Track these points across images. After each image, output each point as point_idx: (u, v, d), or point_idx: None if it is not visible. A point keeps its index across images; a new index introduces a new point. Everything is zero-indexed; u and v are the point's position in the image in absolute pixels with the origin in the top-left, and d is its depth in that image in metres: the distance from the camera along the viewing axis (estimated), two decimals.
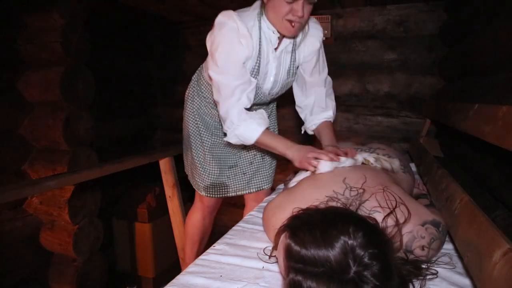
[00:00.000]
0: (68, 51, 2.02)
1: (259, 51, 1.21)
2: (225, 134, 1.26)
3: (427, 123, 2.22)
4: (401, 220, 0.79)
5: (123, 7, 2.45)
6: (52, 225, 2.21)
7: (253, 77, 1.24)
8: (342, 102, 2.60)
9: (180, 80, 3.15)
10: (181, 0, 2.38)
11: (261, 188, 1.61)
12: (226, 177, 1.55)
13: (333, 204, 0.83)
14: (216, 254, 0.97)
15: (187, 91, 1.52)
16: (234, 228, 1.17)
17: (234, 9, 1.21)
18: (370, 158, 1.09)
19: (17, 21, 2.03)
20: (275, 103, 1.62)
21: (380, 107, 2.55)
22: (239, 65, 1.16)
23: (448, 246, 0.96)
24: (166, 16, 2.85)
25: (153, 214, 2.80)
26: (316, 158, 1.05)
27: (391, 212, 0.80)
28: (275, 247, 0.77)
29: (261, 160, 1.59)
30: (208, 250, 1.00)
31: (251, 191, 1.60)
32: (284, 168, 2.54)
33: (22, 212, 2.19)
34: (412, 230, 0.81)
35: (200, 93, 1.46)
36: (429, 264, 0.82)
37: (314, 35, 1.30)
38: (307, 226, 0.64)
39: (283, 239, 0.67)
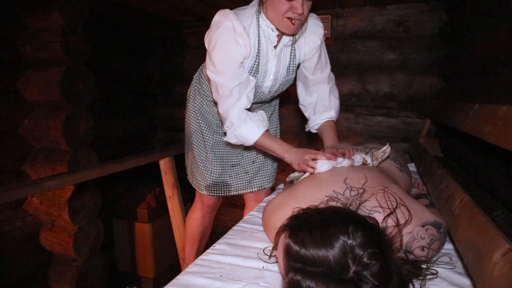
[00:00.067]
0: (68, 51, 2.02)
1: (258, 49, 1.21)
2: (225, 134, 1.26)
3: (427, 123, 2.22)
4: (402, 221, 0.79)
5: (123, 7, 2.45)
6: (52, 225, 2.21)
7: (252, 75, 1.24)
8: (342, 102, 2.56)
9: (180, 80, 3.15)
10: (181, 0, 2.38)
11: (262, 188, 1.61)
12: (228, 176, 1.54)
13: (333, 204, 0.83)
14: (216, 254, 0.97)
15: (189, 89, 1.52)
16: (234, 228, 1.17)
17: (234, 8, 1.21)
18: (367, 158, 1.10)
19: (17, 21, 2.03)
20: (277, 101, 1.61)
21: (380, 107, 2.55)
22: (236, 65, 1.15)
23: (448, 246, 0.96)
24: (166, 16, 2.85)
25: (153, 214, 2.80)
26: (313, 159, 1.05)
27: (391, 213, 0.80)
28: (275, 247, 0.77)
29: (263, 159, 1.59)
30: (208, 250, 1.00)
31: (253, 190, 1.60)
32: (284, 168, 2.54)
33: (22, 212, 2.19)
34: (412, 230, 0.81)
35: (202, 91, 1.46)
36: (429, 264, 0.82)
37: (314, 32, 1.30)
38: (307, 226, 0.64)
39: (283, 239, 0.67)
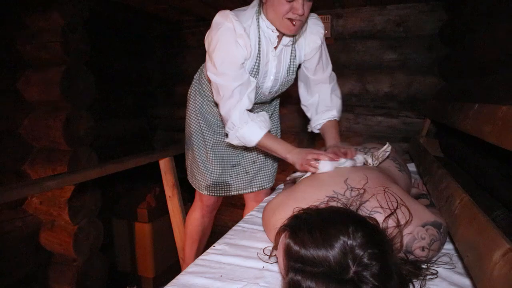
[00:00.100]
0: (68, 51, 2.02)
1: (259, 50, 1.21)
2: (226, 135, 1.26)
3: (427, 123, 2.22)
4: (402, 221, 0.79)
5: (123, 7, 2.45)
6: (52, 225, 2.21)
7: (253, 76, 1.23)
8: (342, 102, 2.59)
9: (180, 80, 3.16)
10: (181, 0, 2.38)
11: (263, 188, 1.61)
12: (228, 176, 1.55)
13: (334, 204, 0.83)
14: (216, 254, 0.97)
15: (189, 89, 1.52)
16: (234, 228, 1.17)
17: (233, 8, 1.21)
18: (368, 158, 1.10)
19: (17, 21, 2.03)
20: (278, 101, 1.61)
21: (380, 107, 2.55)
22: (237, 66, 1.15)
23: (448, 246, 0.96)
24: (166, 16, 2.85)
25: (153, 214, 2.80)
26: (316, 159, 1.05)
27: (392, 213, 0.80)
28: (275, 247, 0.77)
29: (264, 159, 1.59)
30: (208, 250, 1.00)
31: (253, 190, 1.60)
32: (285, 168, 2.54)
33: (22, 212, 2.19)
34: (413, 231, 0.81)
35: (202, 91, 1.46)
36: (429, 264, 0.82)
37: (315, 32, 1.29)
38: (307, 226, 0.64)
39: (283, 239, 0.67)
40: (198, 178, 1.54)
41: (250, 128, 1.18)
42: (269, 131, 1.22)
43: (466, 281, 0.80)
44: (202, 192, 1.55)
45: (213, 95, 1.42)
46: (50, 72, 2.05)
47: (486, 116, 0.92)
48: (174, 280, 0.84)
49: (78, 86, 2.13)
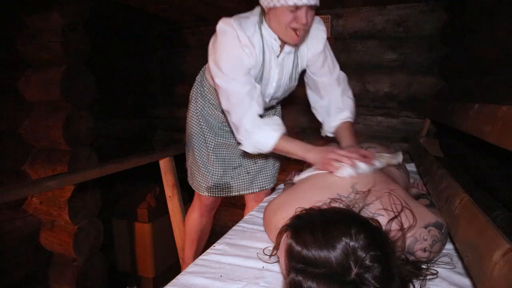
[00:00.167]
0: (68, 51, 2.02)
1: (263, 59, 1.20)
2: (238, 143, 1.22)
3: (427, 123, 2.22)
4: (405, 225, 0.79)
5: (123, 7, 2.45)
6: (52, 225, 2.21)
7: (257, 83, 1.22)
8: None
9: (180, 80, 3.16)
10: (181, 0, 2.38)
11: (264, 188, 1.61)
12: (229, 177, 1.54)
13: (336, 205, 0.82)
14: (216, 254, 0.97)
15: (191, 91, 1.52)
16: (234, 228, 1.17)
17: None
18: (376, 162, 1.07)
19: (17, 21, 2.03)
20: (280, 105, 1.61)
21: (380, 107, 2.55)
22: (245, 71, 1.14)
23: (448, 246, 0.96)
24: (166, 16, 2.84)
25: (153, 214, 2.80)
26: (337, 161, 1.00)
27: (396, 217, 0.79)
28: (276, 247, 0.77)
29: (265, 159, 1.59)
30: (208, 250, 1.00)
31: (254, 191, 1.60)
32: (285, 168, 2.54)
33: (22, 212, 2.19)
34: (415, 233, 0.81)
35: (203, 94, 1.46)
36: (429, 264, 0.82)
37: (316, 37, 1.28)
38: (309, 227, 0.63)
39: (285, 239, 0.67)
40: (198, 179, 1.53)
41: (264, 132, 1.14)
42: (284, 134, 1.17)
43: (466, 281, 0.80)
44: (202, 193, 1.54)
45: (214, 98, 1.42)
46: (50, 72, 2.05)
47: (486, 116, 0.92)
48: (174, 280, 0.84)
49: (78, 86, 2.13)
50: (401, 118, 2.51)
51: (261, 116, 1.18)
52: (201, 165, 1.50)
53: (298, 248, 0.61)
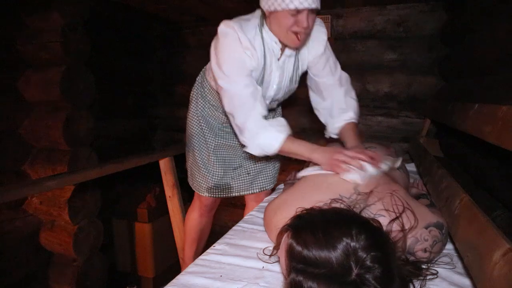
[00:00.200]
0: (68, 51, 2.02)
1: (264, 62, 1.20)
2: (242, 145, 1.22)
3: (427, 123, 2.22)
4: (407, 225, 0.79)
5: (123, 7, 2.45)
6: (52, 225, 2.21)
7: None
8: None
9: (180, 80, 3.15)
10: (181, 0, 2.38)
11: (264, 189, 1.61)
12: (230, 178, 1.54)
13: (337, 205, 0.82)
14: (216, 254, 0.97)
15: (192, 92, 1.52)
16: (234, 228, 1.17)
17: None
18: (382, 164, 1.05)
19: (17, 21, 2.03)
20: (280, 106, 1.61)
21: (380, 107, 2.55)
22: (247, 73, 1.14)
23: (448, 246, 0.96)
24: (166, 16, 2.84)
25: (153, 214, 2.80)
26: (345, 162, 0.99)
27: (397, 218, 0.79)
28: (276, 247, 0.77)
29: (265, 160, 1.59)
30: (208, 250, 1.00)
31: (254, 191, 1.60)
32: (285, 168, 2.54)
33: (22, 212, 2.19)
34: (416, 233, 0.81)
35: (204, 95, 1.46)
36: (429, 265, 0.82)
37: (317, 40, 1.27)
38: (310, 227, 0.63)
39: (286, 239, 0.67)
40: (198, 180, 1.53)
41: (270, 134, 1.13)
42: (289, 135, 1.16)
43: (466, 281, 0.80)
44: (203, 194, 1.54)
45: (214, 99, 1.42)
46: (50, 72, 2.05)
47: (486, 116, 0.92)
48: (174, 280, 0.84)
49: (78, 86, 2.13)
50: (401, 118, 2.51)
51: (265, 117, 1.17)
52: (201, 165, 1.50)
53: (298, 248, 0.61)
